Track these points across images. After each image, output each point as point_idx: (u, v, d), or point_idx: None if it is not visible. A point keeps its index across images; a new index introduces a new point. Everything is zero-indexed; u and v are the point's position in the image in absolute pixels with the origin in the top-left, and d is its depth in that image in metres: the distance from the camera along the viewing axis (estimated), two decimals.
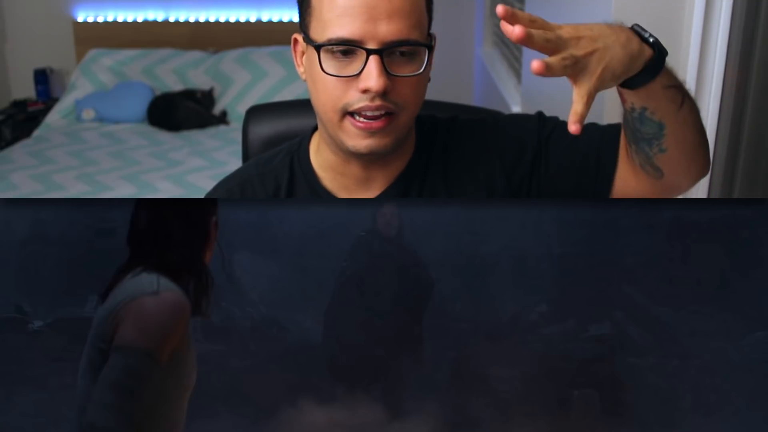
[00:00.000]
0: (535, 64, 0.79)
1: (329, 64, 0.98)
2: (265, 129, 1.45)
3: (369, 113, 0.98)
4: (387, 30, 0.95)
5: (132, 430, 0.74)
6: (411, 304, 1.35)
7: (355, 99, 0.97)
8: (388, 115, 0.98)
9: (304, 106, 1.53)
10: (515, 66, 2.95)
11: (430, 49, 0.99)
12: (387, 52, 0.96)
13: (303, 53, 1.06)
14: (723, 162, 1.45)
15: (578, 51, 0.85)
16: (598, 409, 1.27)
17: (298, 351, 1.34)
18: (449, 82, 3.65)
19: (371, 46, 0.95)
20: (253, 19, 4.34)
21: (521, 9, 2.73)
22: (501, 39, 3.46)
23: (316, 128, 1.15)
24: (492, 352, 1.30)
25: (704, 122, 1.34)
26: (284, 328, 1.36)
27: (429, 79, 1.06)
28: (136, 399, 0.75)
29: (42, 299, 1.33)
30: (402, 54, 0.97)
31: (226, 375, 1.28)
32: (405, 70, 0.97)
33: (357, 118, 0.98)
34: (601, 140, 1.09)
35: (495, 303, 1.35)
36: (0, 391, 1.16)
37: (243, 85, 3.89)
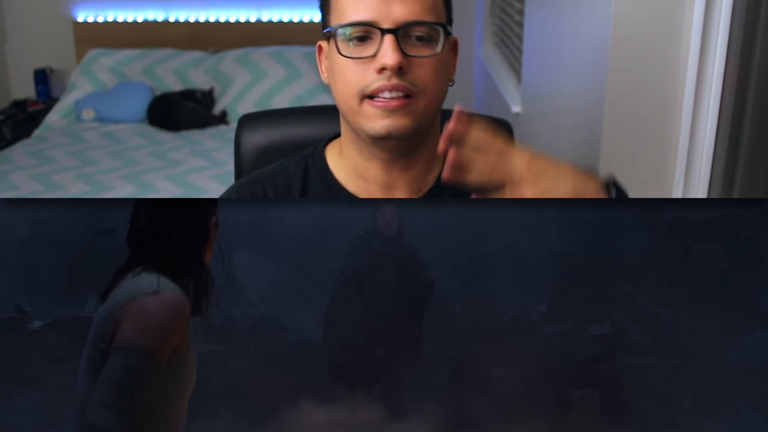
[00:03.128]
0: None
1: (347, 50, 1.01)
2: (258, 137, 1.43)
3: (387, 94, 1.00)
4: (401, 11, 0.98)
5: (132, 429, 0.74)
6: (411, 304, 1.35)
7: (373, 79, 1.00)
8: (407, 97, 1.00)
9: (297, 114, 1.53)
10: (515, 66, 2.95)
11: (445, 28, 1.02)
12: (402, 35, 0.99)
13: (326, 58, 1.09)
14: (723, 162, 1.45)
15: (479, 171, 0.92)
16: (598, 409, 1.27)
17: (298, 351, 1.34)
18: None
19: (386, 26, 0.98)
20: (253, 19, 4.34)
21: (521, 9, 2.73)
22: (501, 39, 3.46)
23: (334, 137, 1.17)
24: (492, 352, 1.30)
25: (704, 122, 1.34)
26: (284, 328, 1.36)
27: (453, 82, 1.08)
28: (136, 399, 0.75)
29: (42, 299, 1.33)
30: (418, 38, 1.00)
31: (226, 375, 1.28)
32: (421, 52, 1.00)
33: (375, 99, 1.01)
34: None
35: (495, 303, 1.35)
36: (0, 391, 1.16)
37: (243, 85, 3.89)
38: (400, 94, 1.00)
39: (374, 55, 0.99)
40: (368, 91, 1.00)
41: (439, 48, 1.01)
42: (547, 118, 2.23)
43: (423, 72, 1.00)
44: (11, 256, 1.29)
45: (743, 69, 1.38)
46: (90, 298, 1.25)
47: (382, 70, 0.98)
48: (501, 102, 2.94)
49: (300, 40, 4.18)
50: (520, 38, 2.78)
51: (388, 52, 0.97)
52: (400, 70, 0.98)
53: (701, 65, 1.44)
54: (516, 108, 2.67)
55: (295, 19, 4.32)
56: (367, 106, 1.01)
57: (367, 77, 1.00)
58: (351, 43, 1.01)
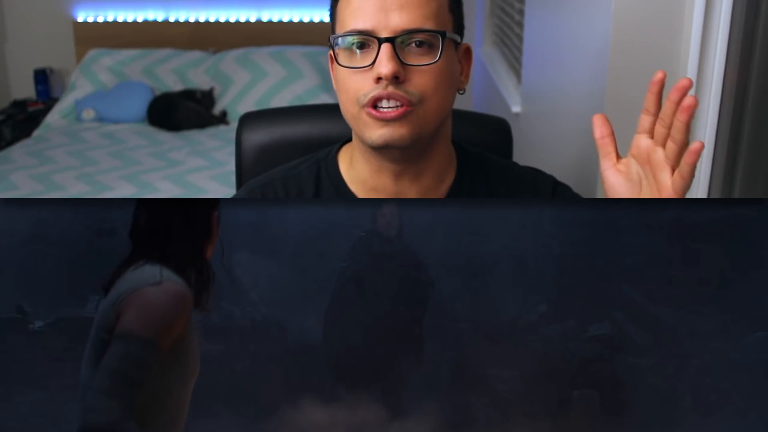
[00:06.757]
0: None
1: (346, 58, 1.01)
2: (258, 136, 1.43)
3: (384, 103, 0.99)
4: (399, 19, 0.97)
5: (132, 415, 0.74)
6: (411, 304, 1.35)
7: (370, 89, 0.99)
8: (405, 106, 0.99)
9: (298, 112, 1.53)
10: (515, 66, 2.95)
11: (444, 36, 1.00)
12: (401, 43, 0.98)
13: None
14: (723, 162, 1.45)
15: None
16: (598, 409, 1.27)
17: (299, 351, 1.34)
18: None
19: (383, 35, 0.97)
20: (253, 19, 4.34)
21: (521, 9, 2.73)
22: (501, 39, 3.46)
23: (345, 142, 1.16)
24: (492, 353, 1.31)
25: (704, 122, 1.34)
26: (285, 329, 1.36)
27: (463, 91, 1.07)
28: (136, 386, 0.75)
29: (42, 299, 1.33)
30: (418, 45, 0.98)
31: (226, 375, 1.28)
32: (420, 60, 0.99)
33: (374, 109, 1.00)
34: None
35: (495, 303, 1.35)
36: (1, 392, 1.16)
37: (243, 85, 3.89)
38: (398, 104, 0.99)
39: (372, 64, 0.98)
40: (366, 100, 0.99)
41: (438, 56, 0.99)
42: (547, 118, 2.23)
43: (422, 80, 0.99)
44: (12, 256, 1.29)
45: (743, 69, 1.38)
46: (90, 298, 1.25)
47: (379, 79, 0.98)
48: (501, 102, 2.94)
49: (300, 40, 4.18)
50: (520, 38, 2.78)
51: (383, 61, 0.97)
52: (396, 79, 0.97)
53: (701, 65, 1.44)
54: (516, 108, 2.67)
55: (295, 19, 4.32)
56: (366, 116, 1.01)
57: (365, 86, 0.99)
58: (351, 52, 1.00)
